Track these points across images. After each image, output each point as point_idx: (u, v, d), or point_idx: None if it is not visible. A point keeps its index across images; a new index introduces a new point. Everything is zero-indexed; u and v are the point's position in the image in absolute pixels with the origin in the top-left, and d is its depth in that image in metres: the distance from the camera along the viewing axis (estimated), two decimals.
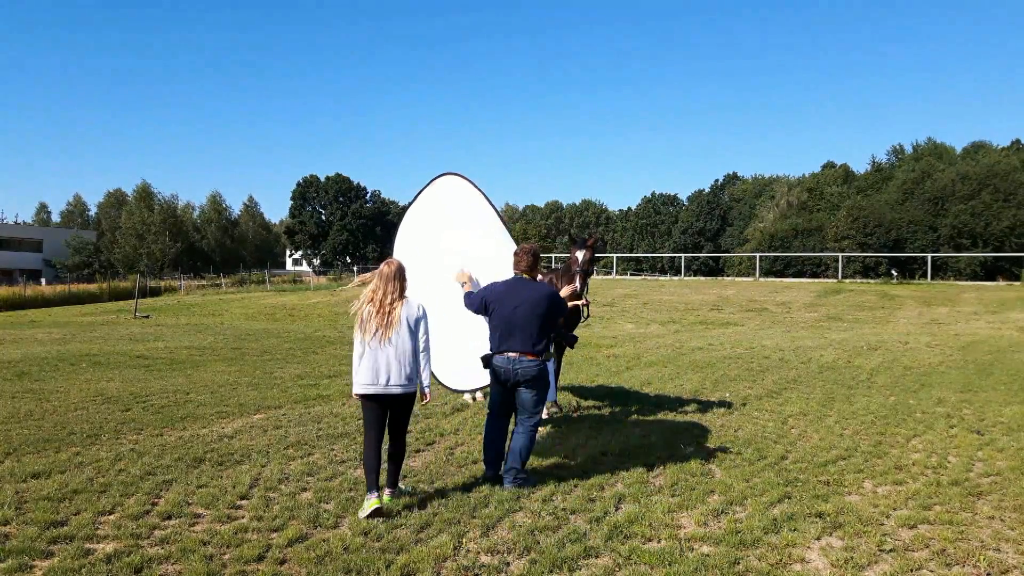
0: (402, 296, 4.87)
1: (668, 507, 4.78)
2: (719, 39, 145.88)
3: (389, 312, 4.78)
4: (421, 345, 4.88)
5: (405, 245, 6.37)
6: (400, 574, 3.76)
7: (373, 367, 4.74)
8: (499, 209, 6.42)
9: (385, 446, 4.93)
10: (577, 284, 6.86)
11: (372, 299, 4.85)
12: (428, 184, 6.51)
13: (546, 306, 5.29)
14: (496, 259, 6.06)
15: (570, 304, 6.08)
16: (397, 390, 4.75)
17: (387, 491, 4.90)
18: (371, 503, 4.61)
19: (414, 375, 4.84)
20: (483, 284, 5.75)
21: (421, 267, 5.76)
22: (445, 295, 5.96)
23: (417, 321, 4.86)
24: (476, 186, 6.43)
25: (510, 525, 4.48)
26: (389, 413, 4.89)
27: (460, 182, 6.46)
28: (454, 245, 6.26)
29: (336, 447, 6.45)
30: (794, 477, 5.48)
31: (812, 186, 60.77)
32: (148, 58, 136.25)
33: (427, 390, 4.95)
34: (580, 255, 7.02)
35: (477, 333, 5.76)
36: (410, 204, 6.59)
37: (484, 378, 5.85)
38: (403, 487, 5.13)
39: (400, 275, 4.89)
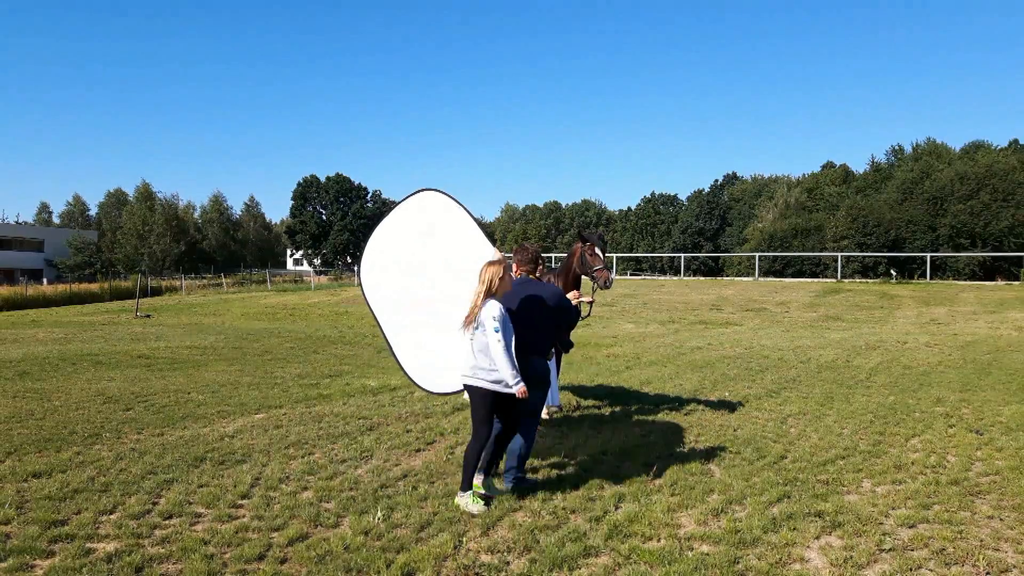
0: None
1: (668, 506, 4.79)
2: (719, 39, 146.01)
3: None
4: None
5: (377, 253, 6.16)
6: (400, 573, 3.77)
7: None
8: (479, 220, 6.24)
9: None
10: (612, 275, 7.08)
11: None
12: (405, 199, 6.23)
13: (551, 306, 5.22)
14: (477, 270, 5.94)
15: (574, 301, 6.07)
16: None
17: None
18: None
19: None
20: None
21: (396, 271, 5.92)
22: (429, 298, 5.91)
23: None
24: (456, 200, 6.16)
25: (510, 524, 4.49)
26: None
27: (440, 197, 6.17)
28: (437, 254, 6.03)
29: (336, 446, 6.47)
30: (793, 476, 5.50)
31: (811, 186, 60.80)
32: (148, 58, 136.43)
33: None
34: (599, 251, 7.16)
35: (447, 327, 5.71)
36: (384, 216, 6.28)
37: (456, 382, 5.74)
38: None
39: None
